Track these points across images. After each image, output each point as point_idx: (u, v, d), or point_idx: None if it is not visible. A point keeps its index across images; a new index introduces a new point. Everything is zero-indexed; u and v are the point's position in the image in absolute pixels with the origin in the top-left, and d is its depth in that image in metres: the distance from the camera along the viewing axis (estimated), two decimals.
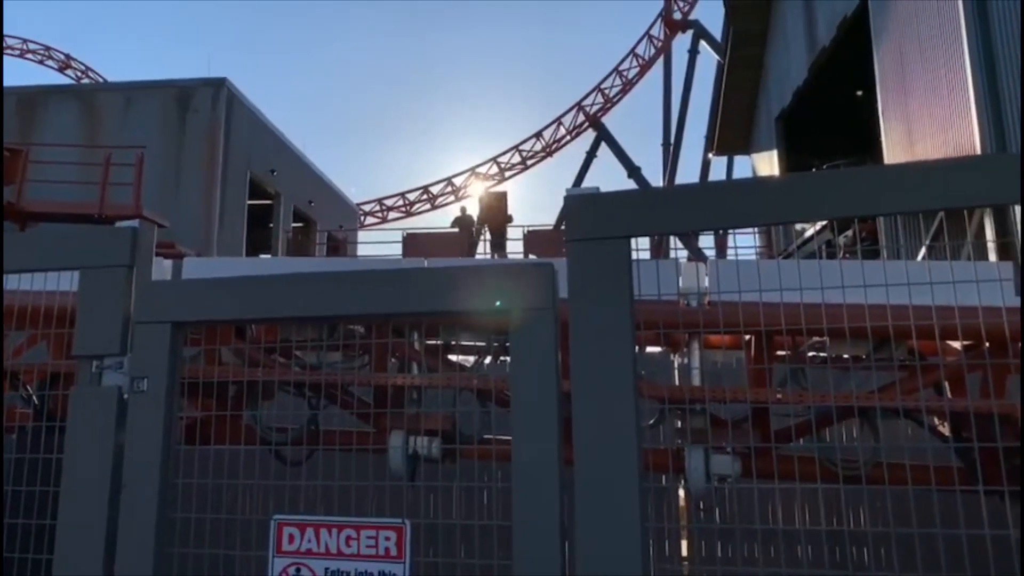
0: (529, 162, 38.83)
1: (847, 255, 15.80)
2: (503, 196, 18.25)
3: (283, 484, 2.77)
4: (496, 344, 4.18)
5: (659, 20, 36.28)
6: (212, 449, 3.36)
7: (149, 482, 2.32)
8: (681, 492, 4.37)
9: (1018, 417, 3.30)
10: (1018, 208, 9.03)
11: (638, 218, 2.19)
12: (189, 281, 3.49)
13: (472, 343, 4.48)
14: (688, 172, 38.30)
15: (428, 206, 39.72)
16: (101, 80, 38.63)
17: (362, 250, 28.15)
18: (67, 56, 40.33)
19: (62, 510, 2.38)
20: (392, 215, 39.62)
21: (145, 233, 2.54)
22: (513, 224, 17.96)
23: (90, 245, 2.56)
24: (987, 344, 3.48)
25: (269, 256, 23.75)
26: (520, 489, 2.13)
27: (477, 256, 16.86)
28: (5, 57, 38.38)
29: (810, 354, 4.08)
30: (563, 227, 2.59)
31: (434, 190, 39.72)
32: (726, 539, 5.57)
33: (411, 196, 39.72)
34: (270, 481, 2.77)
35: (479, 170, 39.28)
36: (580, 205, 2.24)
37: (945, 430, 3.84)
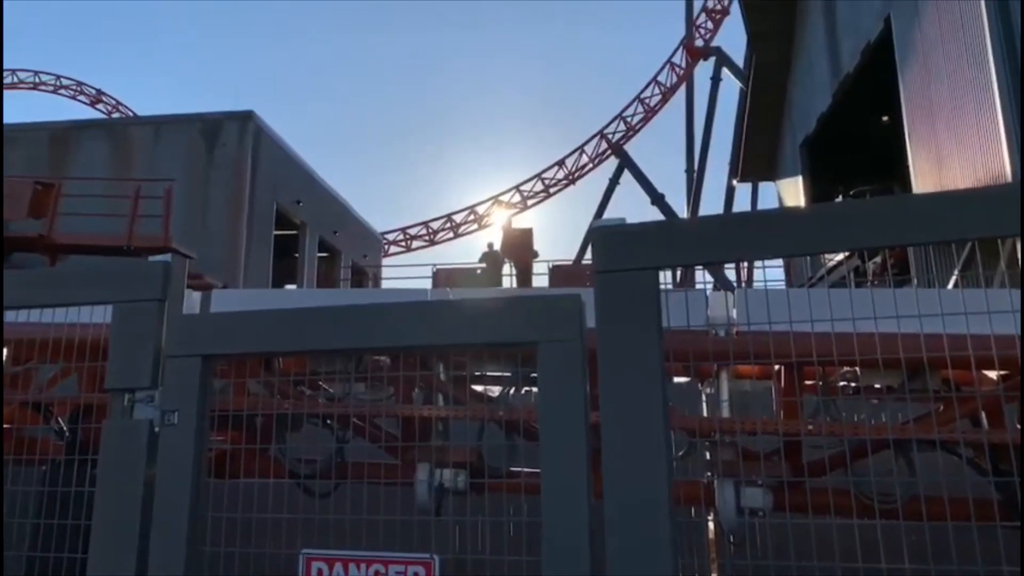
0: (552, 190, 38.96)
1: (875, 283, 15.64)
2: (529, 232, 18.29)
3: (311, 518, 2.75)
4: (522, 374, 4.16)
5: (681, 48, 36.44)
6: (241, 482, 3.36)
7: (179, 515, 2.32)
8: (711, 524, 4.29)
9: None
10: None
11: (666, 249, 2.18)
12: (219, 315, 3.52)
13: (498, 373, 4.47)
14: (712, 199, 38.28)
15: (451, 235, 39.93)
16: (131, 113, 39.43)
17: (387, 282, 28.27)
18: (99, 91, 41.23)
19: (93, 543, 2.38)
20: (416, 244, 39.86)
21: (176, 268, 2.56)
22: (538, 260, 18.02)
23: (123, 280, 2.58)
24: None
25: (295, 286, 23.96)
26: (549, 523, 2.11)
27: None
28: (39, 93, 39.36)
29: (841, 384, 4.03)
30: (586, 259, 2.58)
31: (457, 219, 39.94)
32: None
33: (434, 225, 39.95)
34: (297, 515, 2.76)
35: (502, 198, 39.46)
36: (607, 236, 2.23)
37: (983, 462, 3.76)
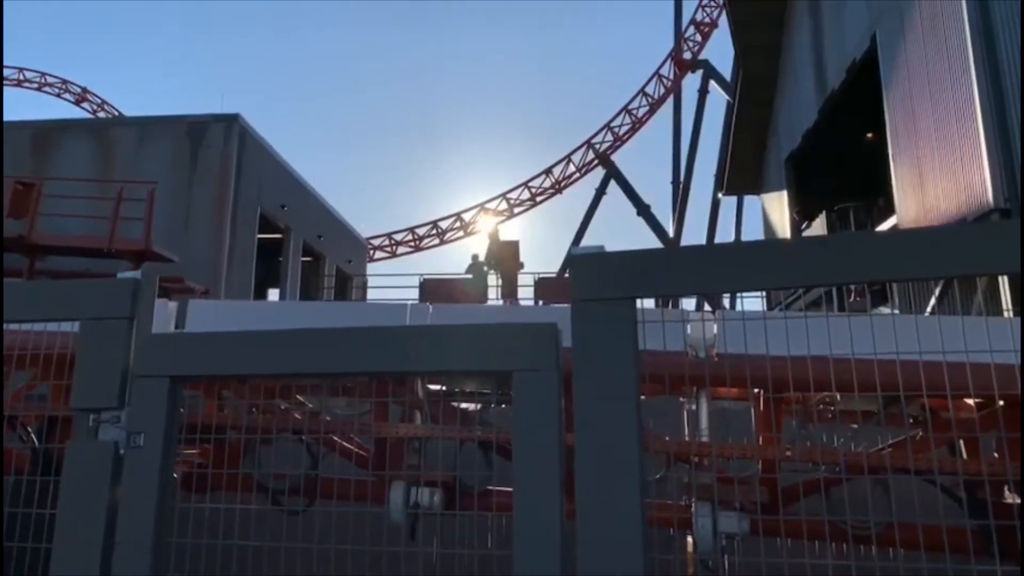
0: (538, 198, 39.03)
1: (858, 298, 15.72)
2: (515, 244, 18.38)
3: (279, 546, 2.71)
4: (500, 393, 4.13)
5: (669, 60, 36.63)
6: (209, 498, 3.31)
7: (143, 540, 2.27)
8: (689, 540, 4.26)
9: None
10: None
11: (643, 279, 2.16)
12: (189, 334, 3.46)
13: (476, 391, 4.43)
14: (698, 210, 38.42)
15: (437, 241, 39.91)
16: (117, 113, 39.18)
17: (373, 284, 28.16)
18: (84, 89, 40.96)
19: (54, 567, 2.33)
20: (401, 250, 39.79)
21: (147, 284, 2.51)
22: (524, 271, 18.14)
23: (91, 296, 2.53)
24: (1001, 403, 3.42)
25: (277, 291, 23.83)
26: (520, 553, 2.08)
27: (489, 302, 16.95)
28: (23, 90, 39.02)
29: (819, 407, 4.02)
30: (567, 274, 2.56)
31: (443, 225, 39.91)
32: None
33: (420, 231, 39.92)
34: (265, 543, 2.71)
35: (488, 206, 39.48)
36: (585, 264, 2.21)
37: (959, 491, 3.76)
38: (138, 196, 14.66)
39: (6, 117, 21.06)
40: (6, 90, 39.00)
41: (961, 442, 3.77)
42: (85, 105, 40.68)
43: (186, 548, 2.53)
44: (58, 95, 40.88)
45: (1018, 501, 3.51)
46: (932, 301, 12.36)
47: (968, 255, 1.95)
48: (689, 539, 3.72)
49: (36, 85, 40.70)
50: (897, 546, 3.35)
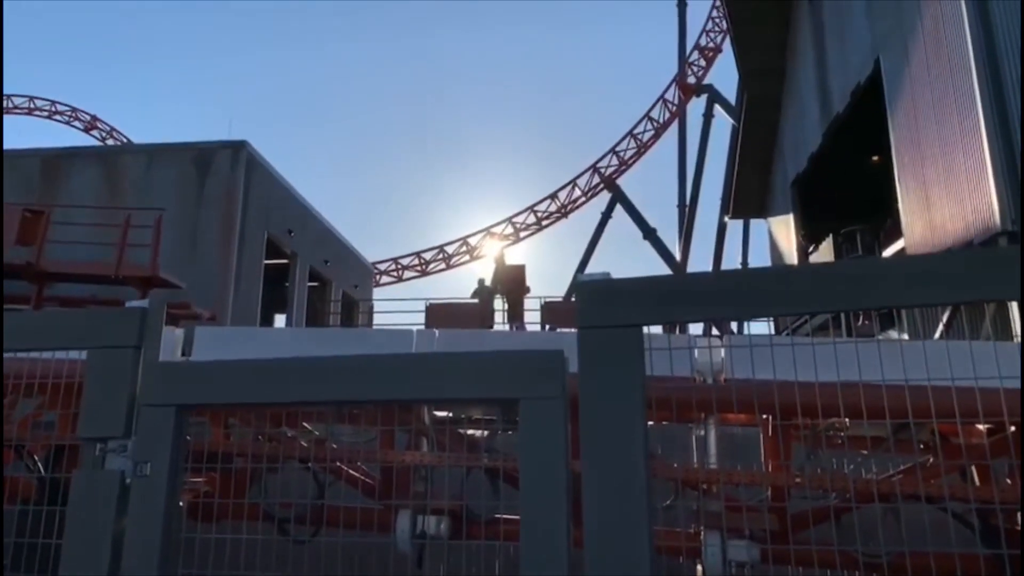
0: (544, 223, 39.13)
1: (866, 321, 15.65)
2: (521, 268, 18.38)
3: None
4: (506, 420, 4.12)
5: (674, 84, 36.84)
6: (215, 525, 3.29)
7: (149, 572, 2.26)
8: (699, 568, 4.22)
9: None
10: None
11: (650, 307, 2.16)
12: (196, 363, 3.47)
13: (482, 416, 4.42)
14: (704, 234, 38.49)
15: (443, 265, 39.99)
16: (126, 140, 39.51)
17: (379, 308, 28.16)
18: (93, 117, 41.38)
19: None
20: (408, 274, 39.88)
21: (154, 313, 2.52)
22: (530, 295, 18.12)
23: (98, 325, 2.54)
24: (1012, 428, 3.39)
25: (284, 316, 23.85)
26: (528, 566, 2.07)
27: (495, 327, 16.94)
28: (34, 118, 39.41)
29: (829, 434, 3.99)
30: (574, 298, 2.56)
31: (449, 250, 40.02)
32: None
33: (426, 256, 40.02)
34: (273, 575, 2.69)
35: (494, 230, 39.59)
36: (591, 292, 2.21)
37: (971, 517, 3.72)
38: (146, 223, 14.74)
39: (16, 145, 21.25)
40: (16, 118, 39.41)
41: (973, 468, 3.73)
42: (95, 133, 41.09)
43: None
44: (68, 123, 41.33)
45: None
46: (940, 327, 12.29)
47: (974, 281, 1.94)
48: (699, 567, 3.69)
49: (46, 113, 41.14)
50: (909, 572, 3.31)
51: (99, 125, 41.20)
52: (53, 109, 41.22)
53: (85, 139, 40.55)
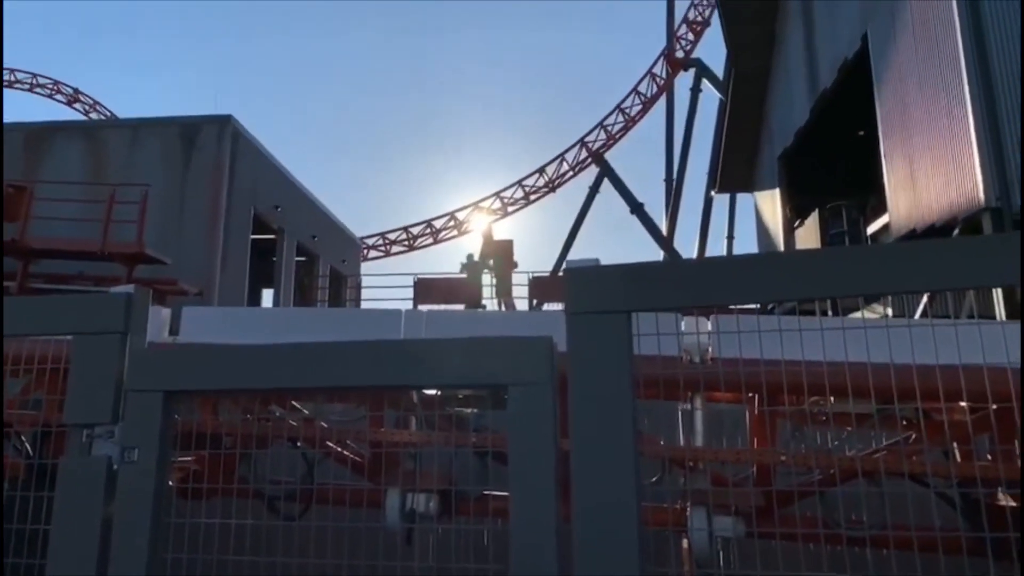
0: (532, 197, 39.05)
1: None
2: (509, 243, 18.38)
3: (275, 561, 2.70)
4: (494, 400, 4.13)
5: (662, 58, 36.67)
6: (204, 503, 3.31)
7: (138, 557, 2.27)
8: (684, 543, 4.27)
9: None
10: None
11: (639, 293, 2.17)
12: (183, 349, 3.46)
13: (472, 394, 4.43)
14: (690, 208, 38.47)
15: (431, 240, 39.89)
16: (109, 114, 39.05)
17: (367, 283, 28.11)
18: (76, 90, 40.82)
19: None
20: (395, 249, 39.77)
21: (140, 299, 2.51)
22: (518, 270, 18.15)
23: (84, 311, 2.53)
24: (994, 406, 3.43)
25: (271, 292, 23.79)
26: (518, 560, 2.09)
27: (484, 302, 16.95)
28: (15, 91, 38.84)
29: (814, 411, 4.03)
30: (561, 273, 2.56)
31: (437, 224, 39.90)
32: None
33: (414, 230, 39.90)
34: (260, 558, 2.71)
35: (482, 204, 39.48)
36: (579, 278, 2.22)
37: (952, 493, 3.78)
38: (131, 199, 14.61)
39: None
40: None
41: (955, 444, 3.79)
42: (77, 106, 40.56)
43: (182, 561, 2.53)
44: (50, 96, 40.73)
45: (1011, 503, 3.53)
46: (923, 301, 12.38)
47: (967, 268, 1.96)
48: (684, 543, 3.73)
49: (27, 86, 40.53)
50: (891, 547, 3.37)
51: (81, 98, 40.67)
52: (34, 81, 40.61)
53: (67, 112, 40.08)
